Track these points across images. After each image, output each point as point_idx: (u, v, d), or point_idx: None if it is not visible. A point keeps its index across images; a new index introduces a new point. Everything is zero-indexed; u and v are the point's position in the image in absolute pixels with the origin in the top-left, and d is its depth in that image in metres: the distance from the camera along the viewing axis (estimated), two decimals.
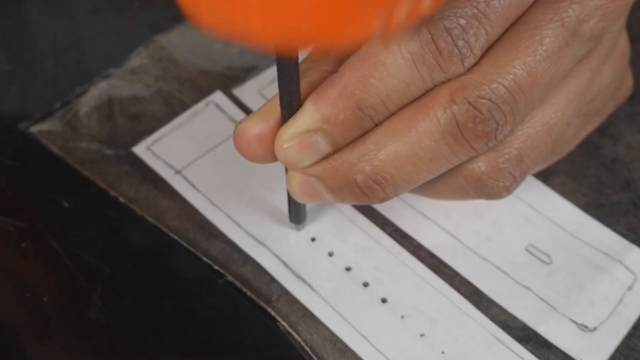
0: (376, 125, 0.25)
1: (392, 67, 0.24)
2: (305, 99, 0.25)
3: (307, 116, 0.25)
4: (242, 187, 0.33)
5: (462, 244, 0.31)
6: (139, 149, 0.34)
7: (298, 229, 0.31)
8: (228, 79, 0.37)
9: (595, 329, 0.29)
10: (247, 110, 0.36)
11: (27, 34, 0.40)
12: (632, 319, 0.29)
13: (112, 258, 0.30)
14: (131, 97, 0.36)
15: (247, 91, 0.37)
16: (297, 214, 0.30)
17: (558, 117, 0.27)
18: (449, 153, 0.25)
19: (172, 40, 0.39)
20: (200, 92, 0.37)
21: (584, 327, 0.29)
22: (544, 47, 0.24)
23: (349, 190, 0.26)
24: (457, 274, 0.30)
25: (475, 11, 0.23)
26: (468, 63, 0.24)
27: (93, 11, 0.41)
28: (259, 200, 0.32)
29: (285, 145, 0.25)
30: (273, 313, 0.29)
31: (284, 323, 0.28)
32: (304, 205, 0.30)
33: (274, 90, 0.37)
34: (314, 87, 0.25)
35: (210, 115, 0.36)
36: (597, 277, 0.30)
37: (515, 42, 0.24)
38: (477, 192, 0.27)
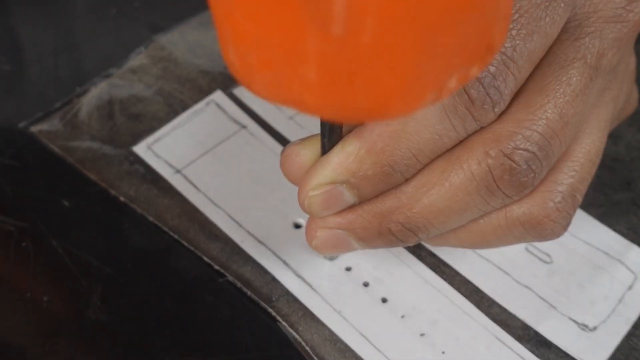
0: (406, 179, 0.25)
1: (424, 120, 0.23)
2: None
3: (332, 168, 0.24)
4: (243, 187, 0.33)
5: None
6: (140, 149, 0.34)
7: (332, 259, 0.30)
8: (228, 79, 0.37)
9: (595, 328, 0.29)
10: (247, 110, 0.36)
11: (28, 33, 0.40)
12: (632, 319, 0.29)
13: (112, 258, 0.30)
14: (131, 96, 0.36)
15: (247, 91, 0.37)
16: None
17: (596, 145, 0.27)
18: (483, 203, 0.25)
19: (172, 40, 0.39)
20: (200, 92, 0.37)
21: (584, 327, 0.29)
22: (571, 88, 0.24)
23: (382, 239, 0.26)
24: (457, 273, 0.30)
25: (504, 57, 0.23)
26: (499, 109, 0.24)
27: (93, 11, 0.41)
28: (259, 199, 0.32)
29: (310, 194, 0.25)
30: (273, 313, 0.29)
31: (284, 323, 0.28)
32: None
33: None
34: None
35: (210, 115, 0.36)
36: (597, 277, 0.30)
37: (543, 86, 0.24)
38: (535, 236, 0.26)
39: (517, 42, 0.23)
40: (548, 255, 0.31)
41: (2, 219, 0.31)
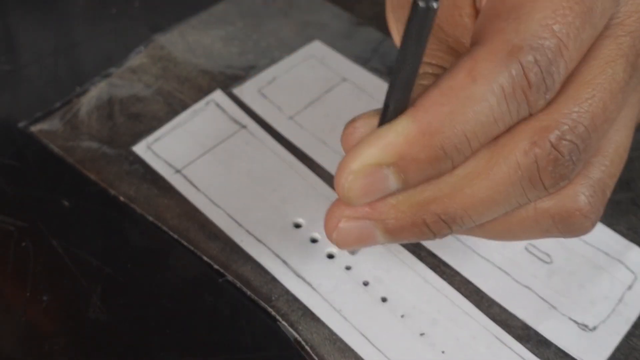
0: (454, 167, 0.23)
1: (482, 102, 0.22)
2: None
3: (380, 147, 0.23)
4: (243, 186, 0.33)
5: (463, 243, 0.31)
6: (139, 148, 0.34)
7: (353, 254, 0.30)
8: (228, 78, 0.37)
9: (595, 328, 0.29)
10: (247, 110, 0.36)
11: (27, 33, 0.40)
12: (632, 318, 0.29)
13: (112, 257, 0.30)
14: (131, 96, 0.36)
15: (247, 90, 0.37)
16: None
17: (624, 142, 0.26)
18: (521, 194, 0.24)
19: (172, 40, 0.39)
20: (200, 92, 0.37)
21: (584, 327, 0.29)
22: (615, 84, 0.24)
23: (413, 231, 0.24)
24: (457, 273, 0.30)
25: (560, 43, 0.23)
26: (549, 96, 0.23)
27: (93, 10, 0.41)
28: (259, 199, 0.32)
29: (350, 177, 0.23)
30: (273, 312, 0.29)
31: (284, 322, 0.28)
32: None
33: (274, 89, 0.37)
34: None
35: (210, 115, 0.36)
36: (597, 277, 0.30)
37: (590, 79, 0.24)
38: (563, 230, 0.25)
39: (572, 30, 0.23)
40: (548, 255, 0.31)
41: (2, 219, 0.31)
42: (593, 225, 0.26)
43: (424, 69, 0.26)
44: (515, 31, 0.23)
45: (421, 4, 0.19)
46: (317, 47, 0.39)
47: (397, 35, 0.30)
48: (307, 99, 0.36)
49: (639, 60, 0.25)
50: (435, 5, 0.19)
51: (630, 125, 0.27)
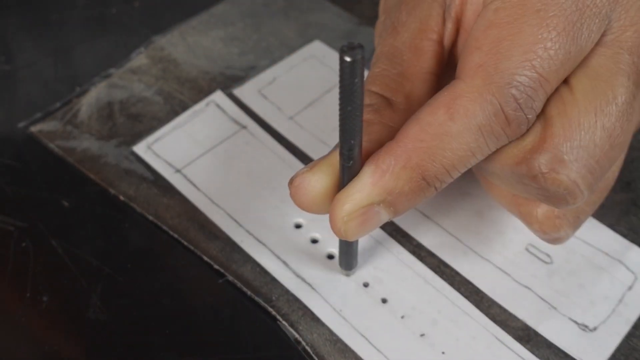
0: (438, 191, 0.24)
1: (459, 138, 0.23)
2: (366, 157, 0.24)
3: (367, 189, 0.24)
4: (243, 186, 0.33)
5: (463, 244, 0.31)
6: (139, 148, 0.34)
7: (348, 275, 0.30)
8: (228, 79, 0.37)
9: (595, 328, 0.29)
10: (247, 110, 0.36)
11: (27, 33, 0.40)
12: (633, 319, 0.29)
13: (112, 257, 0.30)
14: (131, 97, 0.36)
15: (247, 91, 0.37)
16: (349, 257, 0.29)
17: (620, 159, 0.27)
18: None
19: (172, 41, 0.39)
20: (200, 92, 0.37)
21: (584, 327, 0.29)
22: (619, 107, 0.24)
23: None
24: (457, 273, 0.30)
25: (540, 77, 0.23)
26: (526, 128, 0.24)
27: (93, 11, 0.41)
28: (259, 199, 0.32)
29: (345, 220, 0.24)
30: (273, 312, 0.29)
31: (284, 322, 0.28)
32: (357, 248, 0.29)
33: (274, 90, 0.37)
34: (376, 143, 0.24)
35: (210, 115, 0.36)
36: (598, 277, 0.30)
37: (589, 102, 0.23)
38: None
39: (554, 63, 0.23)
40: (548, 255, 0.31)
41: (2, 219, 0.31)
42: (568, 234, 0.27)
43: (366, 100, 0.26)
44: (494, 67, 0.23)
45: (347, 57, 0.20)
46: (317, 47, 0.39)
47: None
48: (307, 99, 0.36)
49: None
50: (359, 56, 0.20)
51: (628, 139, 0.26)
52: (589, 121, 0.23)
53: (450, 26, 0.27)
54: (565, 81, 0.24)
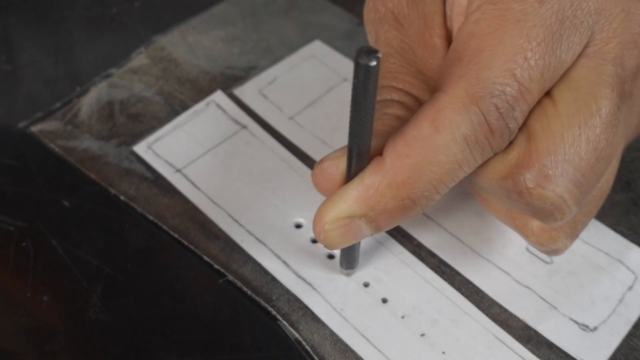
0: (423, 211, 0.24)
1: (445, 150, 0.23)
2: (376, 147, 0.24)
3: (350, 202, 0.24)
4: (243, 186, 0.33)
5: (463, 244, 0.31)
6: (140, 148, 0.34)
7: (348, 275, 0.30)
8: (228, 79, 0.37)
9: (595, 328, 0.28)
10: (247, 110, 0.36)
11: (28, 33, 0.40)
12: (633, 319, 0.29)
13: (112, 257, 0.30)
14: (132, 96, 0.36)
15: (247, 91, 0.37)
16: (350, 257, 0.29)
17: (610, 170, 0.27)
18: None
19: (172, 41, 0.39)
20: (200, 92, 0.37)
21: (584, 327, 0.29)
22: (602, 119, 0.23)
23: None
24: (457, 273, 0.30)
25: (522, 88, 0.23)
26: (510, 139, 0.24)
27: (94, 11, 0.41)
28: (259, 199, 0.32)
29: (326, 227, 0.24)
30: (274, 312, 0.29)
31: (284, 322, 0.28)
32: (358, 248, 0.29)
33: (274, 89, 0.37)
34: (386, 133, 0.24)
35: (210, 115, 0.36)
36: (598, 277, 0.30)
37: (570, 115, 0.23)
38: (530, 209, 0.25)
39: (535, 72, 0.23)
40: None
41: (2, 219, 0.31)
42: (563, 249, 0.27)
43: (390, 95, 0.26)
44: (475, 78, 0.23)
45: (362, 61, 0.20)
46: (317, 47, 0.39)
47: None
48: (307, 99, 0.36)
49: (624, 88, 0.24)
50: (374, 62, 0.20)
51: (619, 151, 0.26)
52: (572, 134, 0.23)
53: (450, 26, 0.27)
54: (548, 94, 0.24)
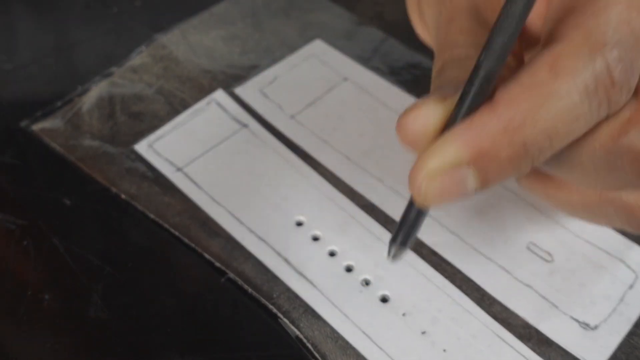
0: (532, 168, 0.22)
1: (565, 97, 0.21)
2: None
3: (459, 147, 0.21)
4: (244, 185, 0.33)
5: (464, 242, 0.31)
6: (141, 147, 0.34)
7: (395, 260, 0.25)
8: (229, 78, 0.37)
9: (596, 327, 0.29)
10: (248, 109, 0.36)
11: (28, 32, 0.40)
12: (633, 318, 0.29)
13: (113, 256, 0.30)
14: (132, 95, 0.36)
15: (248, 90, 0.37)
16: (414, 230, 0.24)
17: None
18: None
19: (173, 39, 0.39)
20: (201, 91, 0.37)
21: (585, 326, 0.29)
22: None
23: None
24: (458, 271, 0.30)
25: (637, 39, 0.21)
26: (626, 98, 0.22)
27: (94, 9, 0.41)
28: (260, 197, 0.32)
29: (428, 177, 0.21)
30: (274, 310, 0.29)
31: (285, 320, 0.28)
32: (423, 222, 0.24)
33: (275, 88, 0.37)
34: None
35: (211, 114, 0.36)
36: (599, 276, 0.30)
37: None
38: (625, 223, 0.24)
39: None
40: (549, 253, 0.31)
41: (3, 217, 0.31)
42: None
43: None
44: (596, 26, 0.21)
45: None
46: (318, 47, 0.39)
47: (421, 30, 0.29)
48: (308, 98, 0.37)
49: None
50: None
51: None
52: None
53: None
54: None
